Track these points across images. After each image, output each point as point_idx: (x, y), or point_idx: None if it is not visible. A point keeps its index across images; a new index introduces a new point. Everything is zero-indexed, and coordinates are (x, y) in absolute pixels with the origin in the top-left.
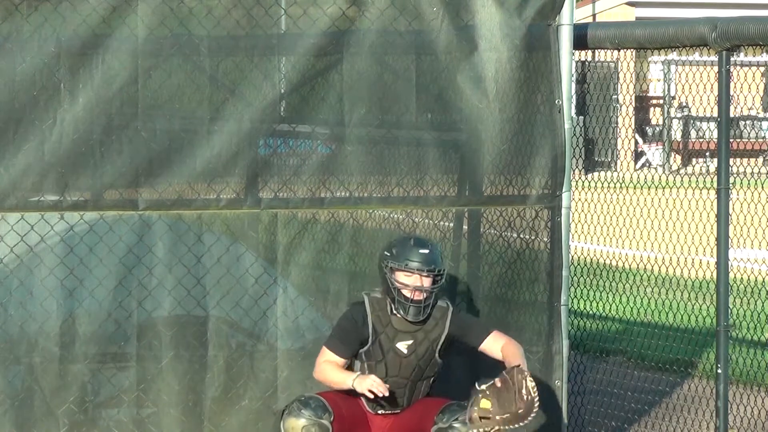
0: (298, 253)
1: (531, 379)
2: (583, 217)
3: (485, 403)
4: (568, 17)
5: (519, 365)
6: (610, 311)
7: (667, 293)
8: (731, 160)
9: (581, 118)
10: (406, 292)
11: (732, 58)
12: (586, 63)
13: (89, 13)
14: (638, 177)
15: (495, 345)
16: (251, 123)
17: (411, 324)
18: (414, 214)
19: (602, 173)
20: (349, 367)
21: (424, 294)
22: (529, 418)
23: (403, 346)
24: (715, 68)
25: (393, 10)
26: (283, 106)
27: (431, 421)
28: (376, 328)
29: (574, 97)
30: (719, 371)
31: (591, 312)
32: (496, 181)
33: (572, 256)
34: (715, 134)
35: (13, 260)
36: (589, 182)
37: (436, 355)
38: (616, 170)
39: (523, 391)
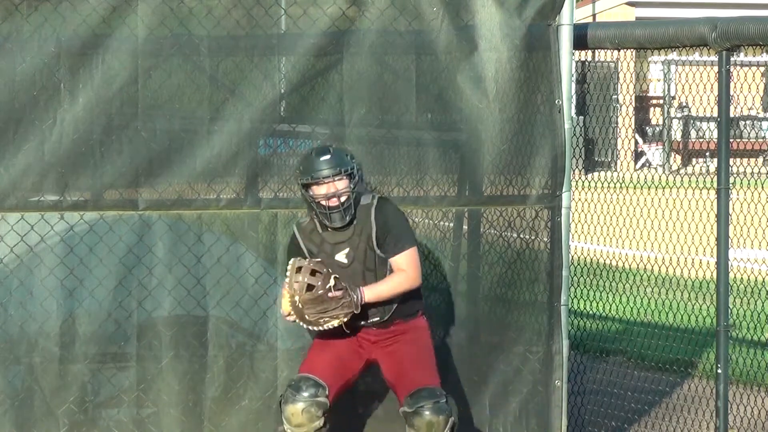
0: None
1: (335, 318)
2: (583, 217)
3: (311, 281)
4: (568, 17)
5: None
6: (610, 311)
7: (667, 293)
8: (731, 160)
9: (581, 118)
10: (324, 203)
11: (732, 58)
12: (586, 63)
13: (89, 13)
14: (638, 177)
15: (393, 267)
16: (251, 123)
17: (341, 233)
18: (414, 214)
19: (602, 173)
20: None
21: (342, 197)
22: (285, 315)
23: (341, 256)
24: (715, 68)
25: (393, 10)
26: (283, 106)
27: (401, 397)
28: (311, 249)
29: (574, 97)
30: (719, 371)
31: (591, 312)
32: (496, 181)
33: (572, 256)
34: (715, 134)
35: (13, 260)
36: (589, 182)
37: (377, 250)
38: (616, 170)
39: (323, 313)
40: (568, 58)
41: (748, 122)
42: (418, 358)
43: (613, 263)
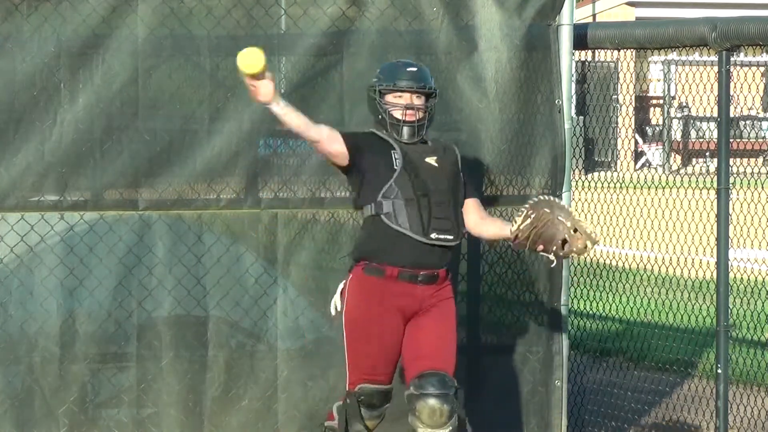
0: (298, 253)
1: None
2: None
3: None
4: (568, 17)
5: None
6: (610, 311)
7: (667, 293)
8: (731, 160)
9: (581, 118)
10: (397, 113)
11: (732, 58)
12: (586, 63)
13: (89, 13)
14: (638, 177)
15: (472, 211)
16: (251, 123)
17: (421, 147)
18: None
19: (602, 173)
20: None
21: (418, 113)
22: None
23: (432, 160)
24: (715, 68)
25: (393, 10)
26: None
27: (409, 376)
28: (399, 145)
29: (574, 97)
30: (719, 371)
31: (591, 312)
32: (496, 181)
33: (572, 256)
34: (715, 134)
35: (13, 260)
36: (589, 182)
37: (462, 176)
38: (616, 170)
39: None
40: (568, 58)
41: (748, 122)
42: (441, 341)
43: (613, 263)
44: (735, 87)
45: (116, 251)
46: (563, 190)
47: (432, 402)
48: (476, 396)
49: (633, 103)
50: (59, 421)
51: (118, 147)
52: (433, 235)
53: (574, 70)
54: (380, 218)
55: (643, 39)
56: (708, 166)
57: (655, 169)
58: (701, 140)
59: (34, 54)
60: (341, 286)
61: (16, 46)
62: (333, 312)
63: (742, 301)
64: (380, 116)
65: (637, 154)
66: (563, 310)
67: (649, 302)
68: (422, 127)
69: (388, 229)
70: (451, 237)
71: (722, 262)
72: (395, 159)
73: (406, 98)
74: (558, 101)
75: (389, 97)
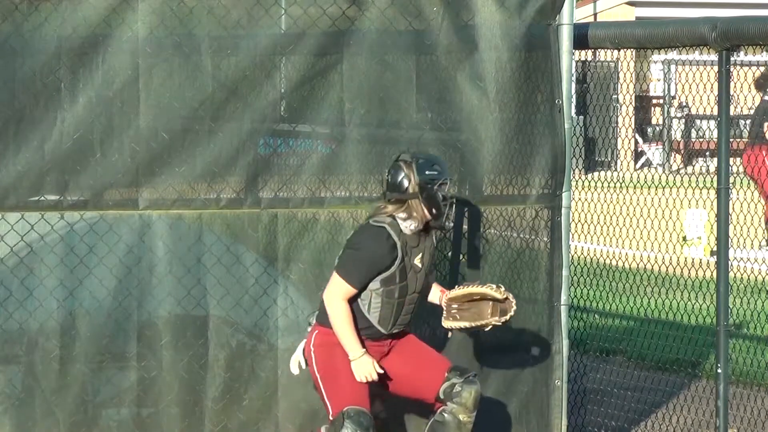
0: (298, 253)
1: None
2: (583, 217)
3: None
4: (568, 17)
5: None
6: (610, 311)
7: (667, 293)
8: (731, 160)
9: (581, 117)
10: (445, 203)
11: (732, 58)
12: (586, 63)
13: (89, 13)
14: (638, 177)
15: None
16: (251, 123)
17: (418, 237)
18: None
19: (602, 173)
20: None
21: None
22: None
23: (417, 260)
24: (715, 68)
25: (393, 9)
26: (283, 106)
27: (433, 381)
28: (404, 252)
29: (574, 96)
30: (719, 371)
31: (591, 312)
32: (496, 181)
33: (572, 256)
34: (715, 134)
35: (14, 260)
36: (589, 182)
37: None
38: (616, 170)
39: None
40: (568, 58)
41: (748, 121)
42: (426, 346)
43: (613, 263)
44: (735, 87)
45: (116, 251)
46: (563, 190)
47: (476, 386)
48: None
49: (633, 103)
50: (59, 421)
51: (118, 147)
52: (394, 330)
53: (574, 69)
54: (356, 301)
55: (643, 39)
56: (708, 166)
57: (656, 168)
58: (701, 140)
59: (34, 54)
60: (302, 345)
61: (16, 46)
62: (296, 371)
63: (742, 301)
64: (436, 205)
65: (637, 154)
66: (563, 310)
67: (649, 302)
68: None
69: (358, 312)
70: (407, 324)
71: (722, 262)
72: (394, 265)
73: (443, 188)
74: (558, 101)
75: (444, 188)
